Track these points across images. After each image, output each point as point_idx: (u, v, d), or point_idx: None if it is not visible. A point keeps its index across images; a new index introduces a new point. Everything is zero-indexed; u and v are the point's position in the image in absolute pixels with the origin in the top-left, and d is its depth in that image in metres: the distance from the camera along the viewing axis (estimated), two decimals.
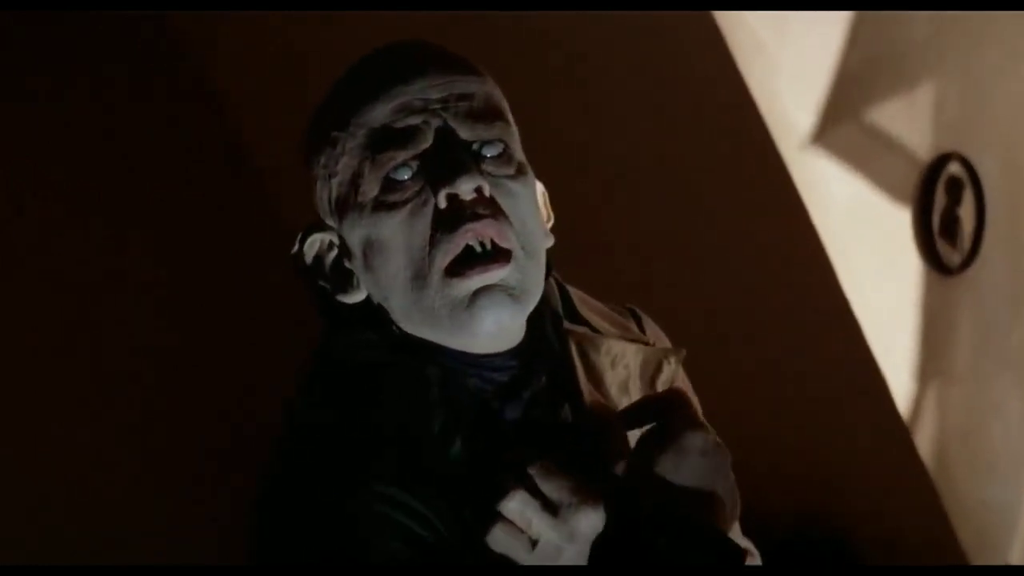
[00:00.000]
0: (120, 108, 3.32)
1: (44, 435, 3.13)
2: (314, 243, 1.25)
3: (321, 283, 1.26)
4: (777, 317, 2.79)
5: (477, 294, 1.17)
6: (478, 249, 1.16)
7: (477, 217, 1.16)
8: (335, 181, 1.22)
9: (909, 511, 2.93)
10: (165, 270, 3.38)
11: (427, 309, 1.18)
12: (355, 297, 1.24)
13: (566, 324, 1.29)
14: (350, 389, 1.23)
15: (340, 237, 1.23)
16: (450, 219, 1.16)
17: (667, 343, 1.39)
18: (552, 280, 1.30)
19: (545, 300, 1.28)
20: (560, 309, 1.30)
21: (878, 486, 2.94)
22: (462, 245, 1.16)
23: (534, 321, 1.26)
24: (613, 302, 1.39)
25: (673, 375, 1.32)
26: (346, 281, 1.24)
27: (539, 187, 1.30)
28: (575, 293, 1.34)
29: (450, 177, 1.15)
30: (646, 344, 1.33)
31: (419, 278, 1.18)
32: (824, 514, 2.89)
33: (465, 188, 1.15)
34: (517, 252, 1.18)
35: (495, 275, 1.16)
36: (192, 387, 3.33)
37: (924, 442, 2.86)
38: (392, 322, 1.23)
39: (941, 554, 2.92)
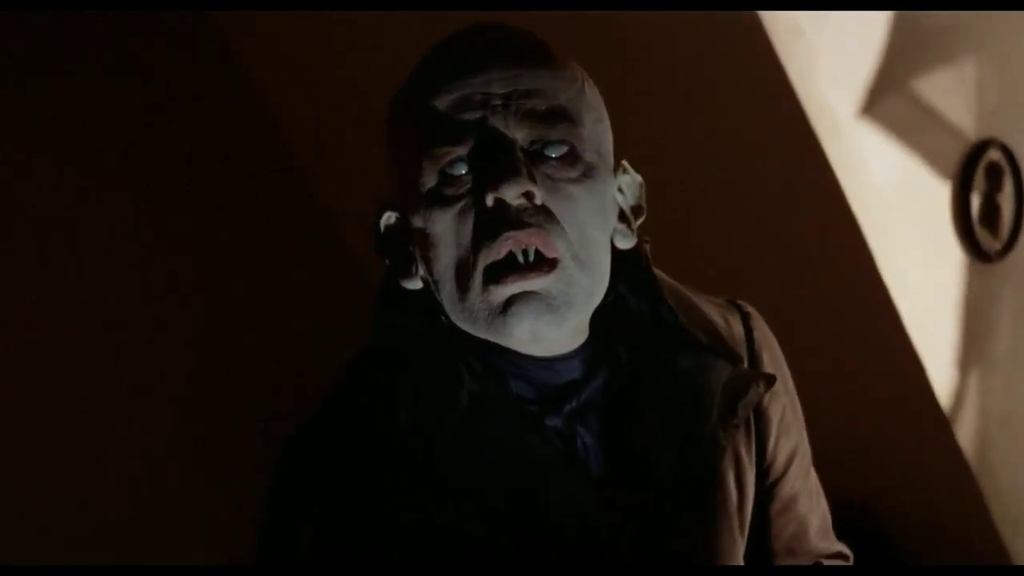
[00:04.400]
0: (158, 100, 3.33)
1: (88, 433, 3.14)
2: (389, 219, 1.26)
3: (387, 261, 1.26)
4: (815, 304, 2.78)
5: (512, 301, 1.15)
6: (520, 259, 1.14)
7: (522, 225, 1.14)
8: (400, 165, 1.22)
9: (948, 499, 2.92)
10: (207, 267, 3.39)
11: (468, 309, 1.17)
12: (414, 284, 1.25)
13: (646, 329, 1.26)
14: (382, 381, 1.24)
15: (407, 219, 1.23)
16: (494, 224, 1.14)
17: (773, 347, 1.35)
18: (645, 279, 1.27)
19: (622, 304, 1.26)
20: (644, 313, 1.27)
21: (917, 474, 2.92)
22: (503, 253, 1.14)
23: (602, 326, 1.24)
24: (724, 296, 1.36)
25: (759, 400, 1.28)
26: (407, 265, 1.24)
27: (636, 179, 1.28)
28: (673, 292, 1.30)
29: (495, 181, 1.13)
30: (736, 359, 1.28)
31: (463, 278, 1.17)
32: (863, 502, 2.88)
33: (510, 194, 1.13)
34: (565, 261, 1.16)
35: (533, 284, 1.15)
36: (236, 383, 3.33)
37: (963, 430, 2.84)
38: (443, 312, 1.22)
39: (980, 541, 2.91)
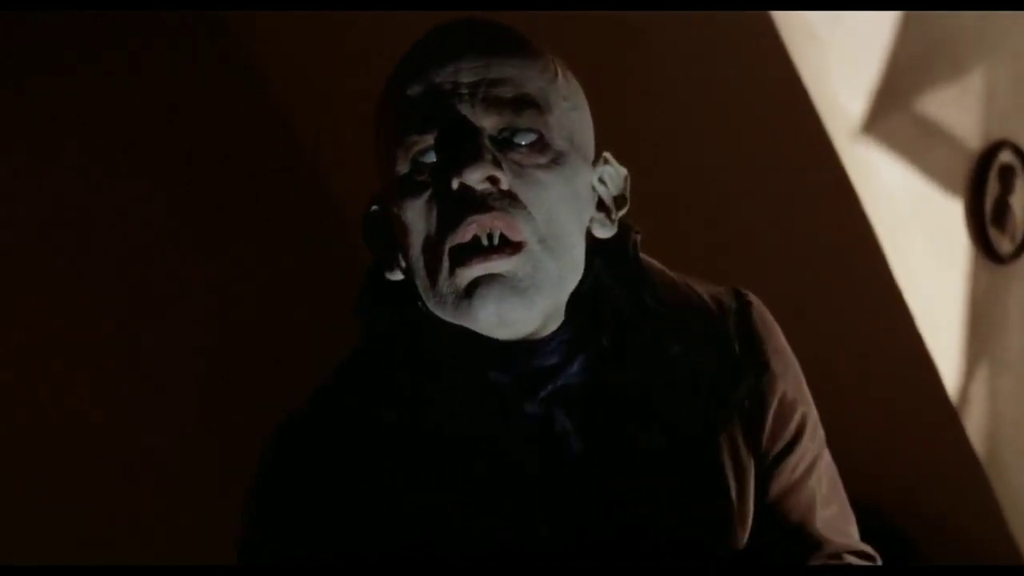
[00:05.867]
0: (163, 99, 3.33)
1: (92, 434, 3.14)
2: (374, 210, 1.27)
3: (374, 253, 1.28)
4: (827, 304, 2.78)
5: (477, 283, 1.16)
6: (484, 242, 1.15)
7: (486, 208, 1.15)
8: (380, 156, 1.24)
9: (960, 499, 2.92)
10: (214, 267, 3.39)
11: (438, 294, 1.18)
12: (396, 275, 1.26)
13: (629, 315, 1.26)
14: (366, 376, 1.26)
15: (388, 210, 1.24)
16: (459, 208, 1.15)
17: (772, 333, 1.33)
18: (631, 267, 1.28)
19: (605, 291, 1.26)
20: (628, 300, 1.27)
21: (929, 474, 2.92)
22: (468, 236, 1.15)
23: (582, 312, 1.24)
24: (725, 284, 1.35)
25: (749, 390, 1.28)
26: (390, 257, 1.26)
27: (620, 171, 1.29)
28: (665, 279, 1.30)
29: (459, 166, 1.14)
30: (727, 348, 1.28)
31: (432, 263, 1.18)
32: (873, 503, 2.88)
33: (473, 178, 1.14)
34: (531, 244, 1.16)
35: (497, 266, 1.15)
36: (243, 384, 3.33)
37: (975, 430, 2.84)
38: (422, 300, 1.23)
39: (992, 542, 2.91)
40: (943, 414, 2.80)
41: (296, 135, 3.53)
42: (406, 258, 1.22)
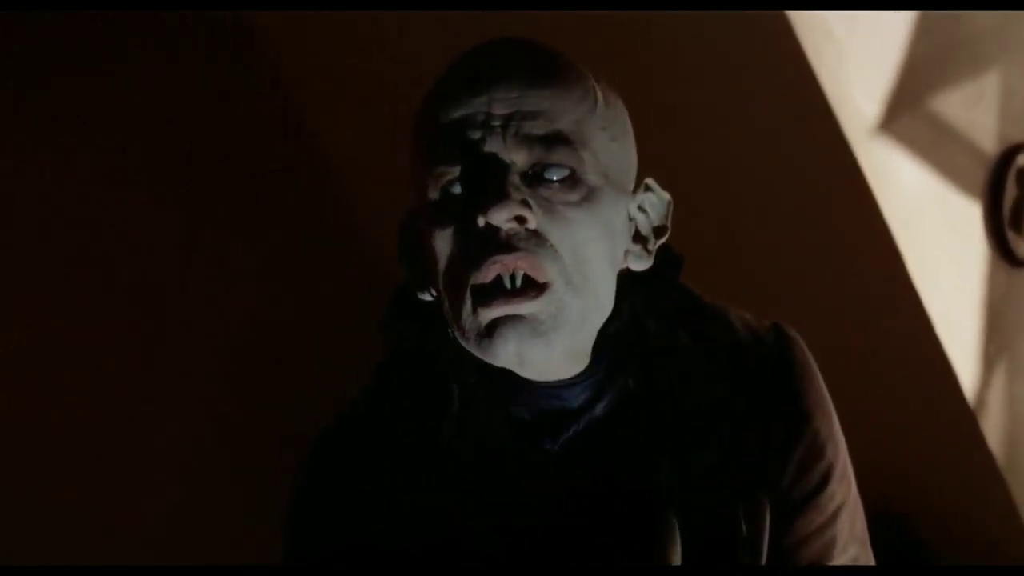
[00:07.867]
0: (171, 98, 3.31)
1: (106, 436, 3.13)
2: (409, 229, 1.26)
3: (406, 271, 1.27)
4: (844, 305, 2.77)
5: (497, 323, 1.13)
6: (507, 284, 1.13)
7: (511, 249, 1.12)
8: (414, 178, 1.22)
9: (977, 502, 2.92)
10: (218, 264, 3.37)
11: (461, 328, 1.16)
12: (426, 296, 1.25)
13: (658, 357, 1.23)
14: (401, 387, 1.26)
15: (420, 231, 1.22)
16: (483, 247, 1.13)
17: (811, 374, 1.29)
18: (670, 302, 1.25)
19: (637, 325, 1.23)
20: (663, 337, 1.24)
21: (946, 476, 2.92)
22: (490, 277, 1.13)
23: (614, 350, 1.22)
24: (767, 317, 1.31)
25: (779, 433, 1.25)
26: (422, 277, 1.24)
27: (663, 197, 1.26)
28: (702, 312, 1.27)
29: (483, 205, 1.11)
30: (761, 388, 1.25)
31: (456, 297, 1.16)
32: (890, 505, 2.87)
33: (498, 218, 1.12)
34: (557, 285, 1.13)
35: (519, 308, 1.13)
36: (248, 385, 3.32)
37: (993, 433, 2.85)
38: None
39: (1009, 544, 2.91)
40: (960, 416, 2.80)
41: (298, 134, 3.51)
42: (434, 284, 1.20)
